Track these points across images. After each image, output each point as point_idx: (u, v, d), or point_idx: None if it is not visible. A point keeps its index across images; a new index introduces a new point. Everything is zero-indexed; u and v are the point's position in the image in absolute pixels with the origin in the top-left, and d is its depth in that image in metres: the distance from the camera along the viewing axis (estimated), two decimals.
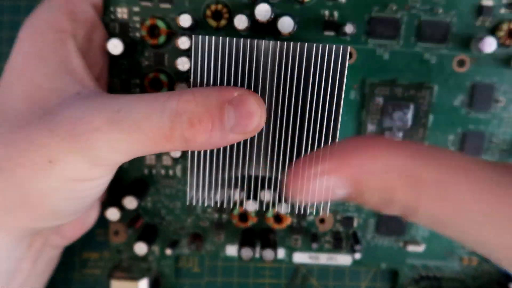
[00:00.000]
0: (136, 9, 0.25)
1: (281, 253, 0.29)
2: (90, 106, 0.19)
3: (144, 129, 0.18)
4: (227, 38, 0.19)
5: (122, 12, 0.25)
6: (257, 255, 0.27)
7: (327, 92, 0.20)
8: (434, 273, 0.30)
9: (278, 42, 0.19)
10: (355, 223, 0.29)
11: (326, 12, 0.24)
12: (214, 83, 0.20)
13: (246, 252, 0.26)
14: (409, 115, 0.26)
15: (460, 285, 0.30)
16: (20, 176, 0.18)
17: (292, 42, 0.19)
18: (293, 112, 0.21)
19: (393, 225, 0.29)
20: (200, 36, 0.19)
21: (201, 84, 0.20)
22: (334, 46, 0.19)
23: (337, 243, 0.29)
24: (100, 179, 0.20)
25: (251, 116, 0.19)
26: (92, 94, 0.20)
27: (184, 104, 0.18)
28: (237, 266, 0.30)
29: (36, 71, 0.20)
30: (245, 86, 0.20)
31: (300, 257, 0.29)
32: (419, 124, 0.26)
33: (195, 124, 0.18)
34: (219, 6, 0.24)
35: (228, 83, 0.20)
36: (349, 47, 0.19)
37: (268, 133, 0.21)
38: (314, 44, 0.19)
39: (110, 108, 0.18)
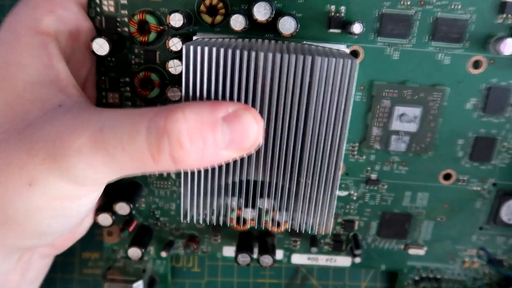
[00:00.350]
0: (123, 1, 0.22)
1: (279, 254, 0.28)
2: (72, 123, 0.17)
3: (129, 150, 0.16)
4: (222, 49, 0.18)
5: (108, 5, 0.22)
6: (255, 257, 0.26)
7: (332, 107, 0.18)
8: (435, 275, 0.29)
9: (278, 54, 0.18)
10: (356, 226, 0.28)
11: (332, 8, 0.22)
12: (208, 96, 0.18)
13: (243, 258, 0.25)
14: (418, 119, 0.24)
15: (460, 286, 0.29)
16: (2, 195, 0.17)
17: (294, 55, 0.18)
18: (295, 128, 0.19)
19: (395, 228, 0.28)
20: (191, 46, 0.18)
21: (194, 97, 0.18)
22: (341, 61, 0.18)
23: (337, 246, 0.28)
24: (86, 198, 0.19)
25: (247, 133, 0.17)
26: (75, 106, 0.18)
27: (173, 122, 0.16)
28: (237, 266, 0.30)
29: (16, 80, 0.19)
30: (242, 100, 0.18)
31: (298, 259, 0.28)
32: (428, 128, 0.24)
33: (184, 144, 0.16)
34: (214, 1, 0.22)
35: (223, 96, 0.18)
36: (357, 62, 0.18)
37: (267, 143, 0.20)
38: (320, 59, 0.17)
39: (92, 127, 0.17)
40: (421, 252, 0.28)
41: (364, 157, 0.26)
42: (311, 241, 0.27)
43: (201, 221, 0.21)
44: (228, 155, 0.17)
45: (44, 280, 0.25)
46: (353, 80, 0.18)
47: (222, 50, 0.17)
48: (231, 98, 0.18)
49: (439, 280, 0.29)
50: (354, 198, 0.27)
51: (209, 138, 0.16)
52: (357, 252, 0.27)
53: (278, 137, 0.19)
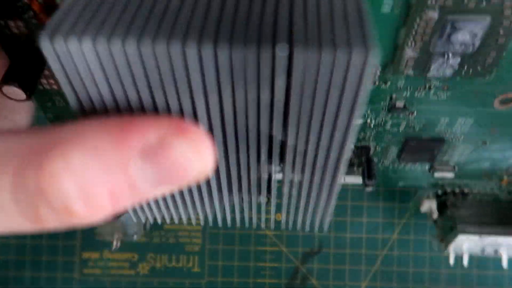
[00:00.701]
0: None
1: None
2: None
3: None
4: (121, 42, 0.09)
5: None
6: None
7: (330, 110, 0.10)
8: (462, 189, 0.25)
9: (224, 46, 0.09)
10: (372, 152, 0.22)
11: None
12: (111, 104, 0.10)
13: None
14: (480, 35, 0.15)
15: (491, 199, 0.25)
16: None
17: (253, 46, 0.09)
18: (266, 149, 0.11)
19: (421, 154, 0.22)
20: (47, 39, 0.09)
21: (84, 111, 0.10)
22: (344, 55, 0.08)
23: (348, 170, 0.23)
24: None
25: (184, 172, 0.10)
26: None
27: (50, 180, 0.09)
28: (237, 266, 0.29)
29: None
30: (175, 106, 0.10)
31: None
32: (492, 46, 0.16)
33: (77, 211, 0.10)
34: None
35: (139, 102, 0.10)
36: (376, 55, 0.08)
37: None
38: (302, 52, 0.08)
39: None
40: (449, 174, 0.23)
41: (389, 83, 0.18)
42: None
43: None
44: (160, 191, 0.11)
45: (44, 278, 0.28)
46: (366, 81, 0.09)
47: (120, 44, 0.09)
48: (154, 105, 0.10)
49: (466, 195, 0.25)
50: (371, 126, 0.20)
51: (118, 190, 0.10)
52: (369, 182, 0.22)
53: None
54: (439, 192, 0.25)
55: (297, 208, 0.15)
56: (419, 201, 0.26)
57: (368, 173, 0.22)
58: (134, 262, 0.30)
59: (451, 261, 0.26)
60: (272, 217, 0.16)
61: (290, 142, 0.11)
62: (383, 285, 0.30)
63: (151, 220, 0.15)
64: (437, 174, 0.23)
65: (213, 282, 0.30)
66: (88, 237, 0.30)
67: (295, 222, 0.16)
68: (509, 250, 0.26)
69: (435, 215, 0.26)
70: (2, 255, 0.30)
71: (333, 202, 0.14)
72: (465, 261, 0.26)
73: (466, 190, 0.25)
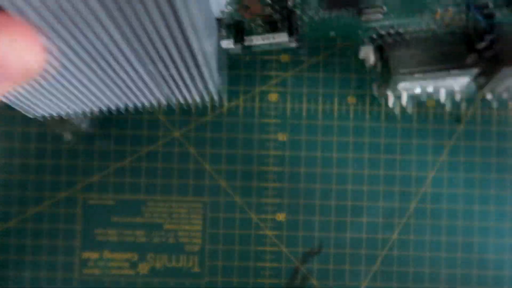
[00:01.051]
0: None
1: None
2: None
3: None
4: None
5: None
6: None
7: None
8: (397, 30, 0.25)
9: None
10: (291, 3, 0.22)
11: None
12: None
13: None
14: None
15: (429, 35, 0.25)
16: None
17: None
18: None
19: None
20: None
21: None
22: None
23: (272, 27, 0.23)
24: None
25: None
26: None
27: None
28: (237, 266, 0.29)
29: None
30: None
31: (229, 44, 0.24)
32: None
33: None
34: None
35: None
36: None
37: None
38: None
39: None
40: (378, 16, 0.23)
41: None
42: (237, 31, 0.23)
43: None
44: None
45: (44, 279, 0.28)
46: None
47: None
48: None
49: (401, 34, 0.25)
50: None
51: None
52: (293, 37, 0.23)
53: None
54: (374, 35, 0.25)
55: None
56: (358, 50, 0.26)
57: (289, 27, 0.23)
58: (134, 262, 0.30)
59: (390, 103, 0.27)
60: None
61: None
62: (383, 285, 0.30)
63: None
64: (365, 17, 0.23)
65: (213, 282, 0.30)
66: (88, 237, 0.30)
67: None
68: (448, 85, 0.26)
69: (372, 60, 0.26)
70: (2, 255, 0.30)
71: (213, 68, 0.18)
72: (404, 101, 0.27)
73: (401, 30, 0.25)
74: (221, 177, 0.30)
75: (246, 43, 0.24)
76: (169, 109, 0.30)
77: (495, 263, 0.30)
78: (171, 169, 0.30)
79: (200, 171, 0.30)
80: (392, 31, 0.24)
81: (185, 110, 0.30)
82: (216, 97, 0.22)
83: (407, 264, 0.30)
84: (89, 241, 0.30)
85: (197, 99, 0.21)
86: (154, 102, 0.21)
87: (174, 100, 0.21)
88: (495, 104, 0.27)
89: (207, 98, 0.22)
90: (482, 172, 0.30)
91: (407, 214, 0.30)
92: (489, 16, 0.23)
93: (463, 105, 0.28)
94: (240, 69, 0.30)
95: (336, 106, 0.30)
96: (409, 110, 0.27)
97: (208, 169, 0.30)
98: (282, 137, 0.30)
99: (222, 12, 0.22)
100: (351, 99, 0.30)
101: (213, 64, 0.20)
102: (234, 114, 0.30)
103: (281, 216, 0.30)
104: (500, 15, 0.23)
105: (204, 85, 0.20)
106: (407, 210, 0.30)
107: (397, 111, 0.28)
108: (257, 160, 0.30)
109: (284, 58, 0.30)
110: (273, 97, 0.30)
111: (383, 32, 0.24)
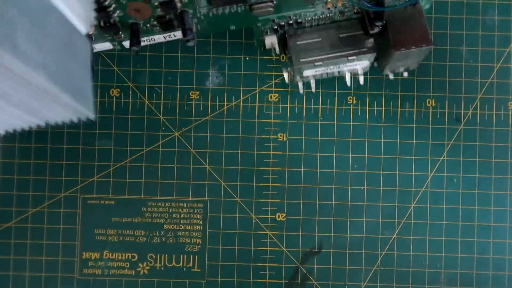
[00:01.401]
0: None
1: None
2: None
3: None
4: None
5: None
6: None
7: None
8: (295, 20, 0.25)
9: None
10: (179, 3, 0.22)
11: None
12: None
13: None
14: None
15: (328, 22, 0.26)
16: None
17: None
18: None
19: None
20: None
21: None
22: None
23: (168, 26, 0.23)
24: None
25: None
26: None
27: None
28: (237, 266, 0.29)
29: None
30: None
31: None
32: None
33: None
34: None
35: None
36: None
37: None
38: None
39: None
40: (269, 9, 0.23)
41: None
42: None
43: None
44: None
45: (44, 279, 0.28)
46: None
47: None
48: None
49: (301, 23, 0.26)
50: None
51: None
52: (188, 37, 0.23)
53: None
54: (275, 26, 0.26)
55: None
56: (261, 40, 0.27)
57: (183, 27, 0.23)
58: (134, 262, 0.30)
59: (300, 90, 0.28)
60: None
61: None
62: (383, 285, 0.30)
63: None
64: (256, 12, 0.23)
65: (213, 282, 0.30)
66: (88, 237, 0.30)
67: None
68: (351, 69, 0.27)
69: (278, 49, 0.27)
70: (2, 255, 0.30)
71: None
72: (313, 87, 0.28)
73: (299, 20, 0.25)
74: (221, 177, 0.30)
75: (146, 43, 0.25)
76: (169, 109, 0.30)
77: (495, 263, 0.30)
78: (171, 169, 0.30)
79: (200, 171, 0.30)
80: (290, 21, 0.25)
81: (185, 110, 0.30)
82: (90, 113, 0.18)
83: (407, 264, 0.30)
84: (89, 241, 0.30)
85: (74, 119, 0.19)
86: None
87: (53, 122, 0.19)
88: (390, 76, 0.28)
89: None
90: (482, 172, 0.30)
91: (407, 214, 0.30)
92: (380, 4, 0.24)
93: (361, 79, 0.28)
94: (240, 69, 0.30)
95: (336, 106, 0.30)
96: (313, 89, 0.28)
97: (208, 169, 0.30)
98: (282, 137, 0.30)
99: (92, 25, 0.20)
100: (351, 99, 0.30)
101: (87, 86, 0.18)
102: (234, 114, 0.30)
103: (281, 216, 0.30)
104: (390, 1, 0.24)
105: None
106: (407, 210, 0.30)
107: (301, 91, 0.29)
108: (257, 160, 0.30)
109: (285, 58, 0.30)
110: (273, 97, 0.30)
111: (282, 23, 0.25)
